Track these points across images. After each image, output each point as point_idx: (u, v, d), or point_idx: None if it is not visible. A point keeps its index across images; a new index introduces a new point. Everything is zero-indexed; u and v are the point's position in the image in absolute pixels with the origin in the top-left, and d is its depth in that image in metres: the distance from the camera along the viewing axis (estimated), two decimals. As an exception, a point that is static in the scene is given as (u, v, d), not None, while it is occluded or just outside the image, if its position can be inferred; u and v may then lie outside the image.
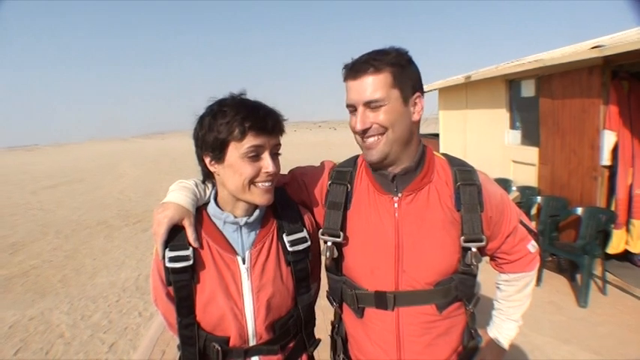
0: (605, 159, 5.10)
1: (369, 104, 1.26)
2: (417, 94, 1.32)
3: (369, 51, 1.30)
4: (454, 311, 1.37)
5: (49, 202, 14.17)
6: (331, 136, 57.38)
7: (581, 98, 5.42)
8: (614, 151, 5.08)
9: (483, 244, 1.31)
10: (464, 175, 1.36)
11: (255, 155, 1.21)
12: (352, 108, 1.31)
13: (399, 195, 1.35)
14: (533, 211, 6.00)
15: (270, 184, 1.26)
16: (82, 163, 32.96)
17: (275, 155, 1.28)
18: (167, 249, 1.24)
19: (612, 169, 5.19)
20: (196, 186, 1.40)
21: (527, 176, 6.67)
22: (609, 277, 5.05)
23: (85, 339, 4.50)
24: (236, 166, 1.22)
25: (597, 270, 4.98)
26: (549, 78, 6.04)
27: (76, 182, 19.59)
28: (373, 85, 1.25)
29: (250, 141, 1.19)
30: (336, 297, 1.47)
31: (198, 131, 1.24)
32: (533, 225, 1.52)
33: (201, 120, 1.25)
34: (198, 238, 1.28)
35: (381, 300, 1.34)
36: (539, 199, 5.93)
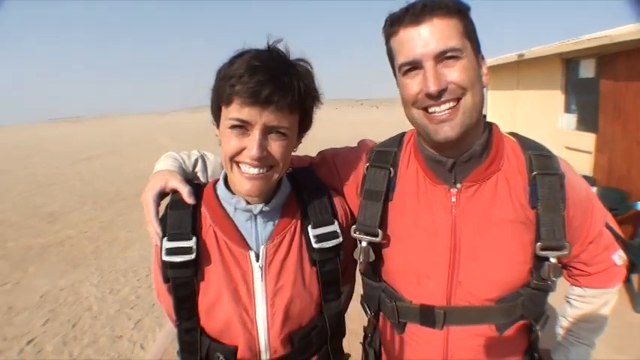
0: (675, 149, 4.63)
1: (442, 56, 0.95)
2: (481, 54, 1.03)
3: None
4: (517, 333, 1.10)
5: (88, 173, 14.51)
6: (375, 115, 56.70)
7: (650, 80, 4.93)
8: (686, 140, 4.60)
9: (566, 253, 1.01)
10: (542, 161, 1.06)
11: (240, 128, 0.94)
12: (410, 66, 0.99)
13: (458, 186, 1.06)
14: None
15: (256, 171, 0.97)
16: (121, 136, 33.84)
17: (277, 136, 0.98)
18: (165, 238, 1.02)
19: (682, 161, 4.71)
20: (178, 153, 1.22)
21: (582, 164, 6.20)
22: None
23: (112, 313, 4.47)
24: (223, 136, 0.98)
25: (658, 271, 4.56)
26: (613, 57, 5.54)
27: (114, 155, 20.05)
28: (446, 29, 0.95)
29: (235, 111, 0.93)
30: (373, 306, 1.22)
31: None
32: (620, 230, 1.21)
33: (217, 70, 1.00)
34: (203, 226, 1.06)
35: (428, 316, 1.09)
36: (594, 189, 5.47)
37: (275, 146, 0.97)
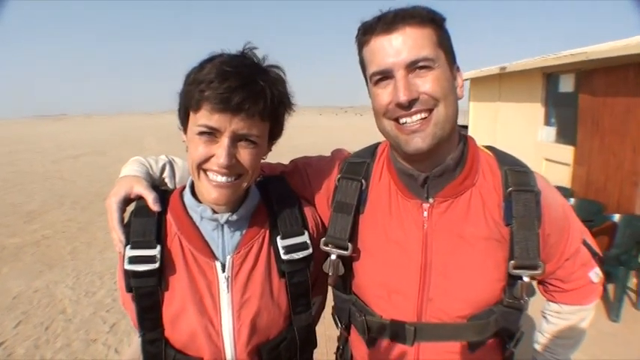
0: (649, 164, 4.72)
1: (413, 65, 0.94)
2: (456, 65, 1.03)
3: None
4: (490, 350, 1.09)
5: (70, 172, 14.25)
6: (358, 122, 56.80)
7: (626, 97, 5.04)
8: (659, 155, 4.69)
9: (539, 272, 1.00)
10: (517, 177, 1.04)
11: (209, 134, 0.92)
12: (381, 76, 0.98)
13: (431, 201, 1.05)
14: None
15: (224, 179, 0.95)
16: (106, 135, 33.37)
17: (247, 144, 0.96)
18: (128, 246, 0.99)
19: (656, 176, 4.80)
20: (145, 158, 1.19)
21: (560, 176, 6.29)
22: (643, 290, 4.69)
23: (86, 316, 4.38)
24: (190, 142, 0.96)
25: (631, 282, 4.63)
26: (591, 73, 5.65)
27: (98, 154, 19.70)
28: (418, 39, 0.93)
29: (204, 117, 0.91)
30: (344, 318, 1.20)
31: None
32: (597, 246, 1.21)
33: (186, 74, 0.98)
34: (168, 234, 1.04)
35: (399, 332, 1.07)
36: (572, 201, 5.54)
37: (244, 154, 0.95)
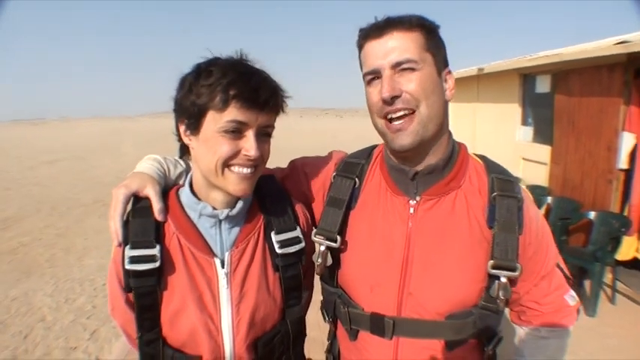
0: (622, 162, 4.85)
1: (398, 66, 1.01)
2: (448, 68, 1.09)
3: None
4: (468, 351, 1.11)
5: (47, 177, 13.99)
6: (339, 124, 57.10)
7: (599, 97, 5.15)
8: (632, 154, 4.82)
9: (517, 274, 1.02)
10: (503, 184, 1.09)
11: (235, 132, 0.97)
12: (373, 75, 1.05)
13: (418, 199, 1.10)
14: (542, 211, 5.72)
15: (249, 170, 1.01)
16: (85, 139, 32.84)
17: (264, 137, 1.03)
18: (128, 246, 1.00)
19: (629, 173, 4.92)
20: (165, 159, 1.18)
21: (538, 175, 6.41)
22: (618, 285, 4.82)
23: (66, 324, 4.31)
24: (211, 141, 0.98)
25: (607, 278, 4.74)
26: (566, 74, 5.76)
27: (76, 159, 19.38)
28: (404, 42, 1.01)
29: (232, 114, 0.95)
30: (329, 311, 1.24)
31: (178, 92, 1.02)
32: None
33: (183, 80, 1.01)
34: (167, 233, 1.06)
35: (378, 325, 1.10)
36: (549, 199, 5.66)
37: (264, 146, 1.03)
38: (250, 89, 0.95)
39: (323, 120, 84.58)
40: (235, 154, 0.98)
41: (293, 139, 24.76)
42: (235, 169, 1.00)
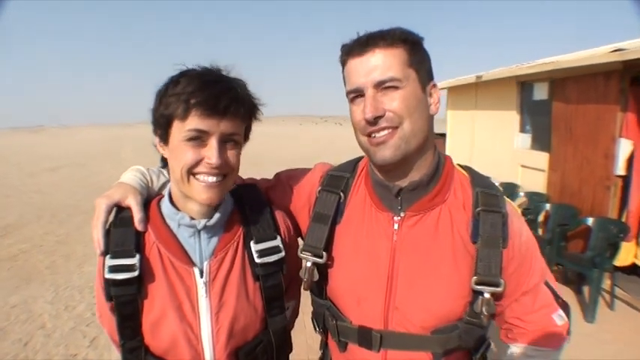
0: (620, 168, 4.90)
1: (381, 85, 1.01)
2: (433, 82, 1.08)
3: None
4: None
5: (48, 185, 13.96)
6: (338, 131, 57.00)
7: (596, 104, 5.20)
8: (630, 160, 4.86)
9: (500, 289, 1.02)
10: (488, 199, 1.08)
11: (197, 139, 0.98)
12: (356, 94, 1.05)
13: (402, 215, 1.10)
14: (541, 218, 5.76)
15: (214, 179, 1.01)
16: (85, 146, 32.81)
17: (231, 144, 1.04)
18: (108, 256, 1.02)
19: (626, 180, 4.97)
20: (148, 170, 1.21)
21: (536, 182, 6.44)
22: (617, 291, 4.83)
23: (66, 331, 4.30)
24: (177, 150, 1.00)
25: (605, 284, 4.76)
26: (563, 82, 5.81)
27: (76, 166, 19.35)
28: (387, 60, 1.00)
29: (193, 122, 0.97)
30: (319, 323, 1.25)
31: (153, 104, 1.04)
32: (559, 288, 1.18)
33: (157, 91, 1.04)
34: (147, 243, 1.07)
35: (365, 338, 1.11)
36: (547, 206, 5.69)
37: (230, 154, 1.03)
38: (210, 97, 0.96)
39: (322, 127, 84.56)
40: (198, 162, 0.99)
41: (291, 147, 24.76)
42: (201, 177, 1.01)
